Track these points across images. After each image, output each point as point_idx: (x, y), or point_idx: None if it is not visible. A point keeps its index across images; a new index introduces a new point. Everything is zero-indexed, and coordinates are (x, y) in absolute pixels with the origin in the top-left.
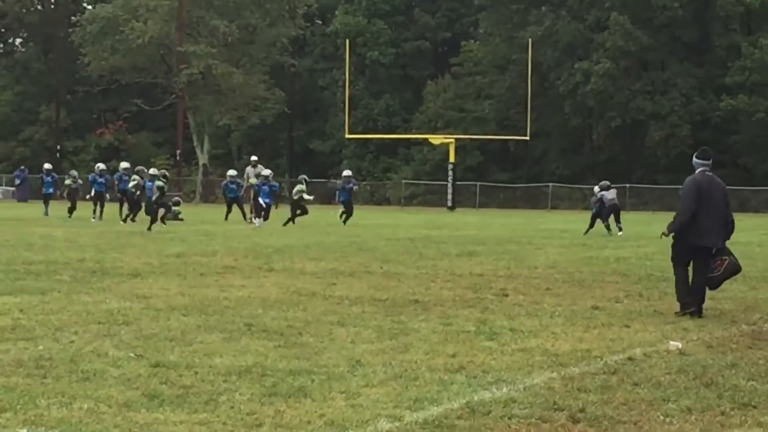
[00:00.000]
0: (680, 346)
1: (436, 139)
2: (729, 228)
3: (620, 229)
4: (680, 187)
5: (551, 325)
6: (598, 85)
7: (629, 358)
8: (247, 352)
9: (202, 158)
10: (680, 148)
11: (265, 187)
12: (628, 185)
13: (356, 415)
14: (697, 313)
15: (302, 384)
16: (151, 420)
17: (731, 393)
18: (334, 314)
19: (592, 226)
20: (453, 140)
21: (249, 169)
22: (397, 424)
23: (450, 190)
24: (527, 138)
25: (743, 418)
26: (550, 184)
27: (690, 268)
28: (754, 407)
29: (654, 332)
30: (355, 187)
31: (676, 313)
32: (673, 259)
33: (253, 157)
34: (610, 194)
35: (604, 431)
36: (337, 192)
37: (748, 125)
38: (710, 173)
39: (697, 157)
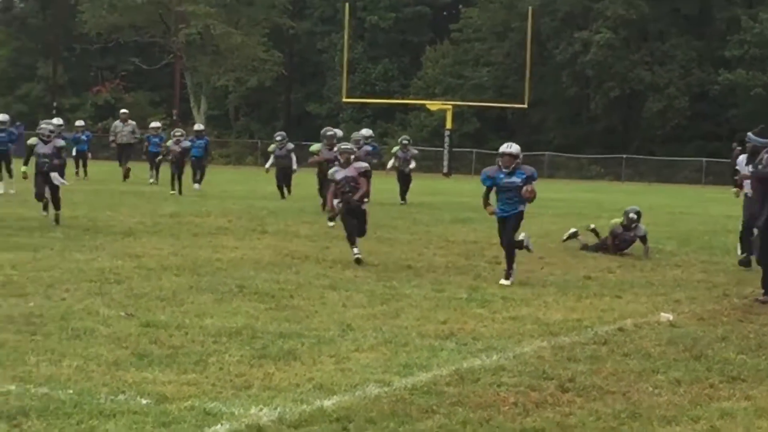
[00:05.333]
0: (671, 317)
1: (433, 105)
2: None
3: None
4: (676, 158)
5: (543, 294)
6: (597, 55)
7: (620, 329)
8: (237, 314)
9: (199, 119)
10: (677, 120)
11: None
12: (624, 156)
13: (345, 379)
14: None
15: (292, 347)
16: (139, 379)
17: (721, 366)
18: (326, 278)
19: None
20: (450, 107)
21: (117, 123)
22: (386, 389)
23: (446, 157)
24: (525, 106)
25: (732, 391)
26: (547, 153)
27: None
28: (743, 380)
29: (645, 303)
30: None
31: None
32: (762, 252)
33: (123, 111)
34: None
35: (592, 401)
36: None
37: (746, 99)
38: None
39: (759, 136)
